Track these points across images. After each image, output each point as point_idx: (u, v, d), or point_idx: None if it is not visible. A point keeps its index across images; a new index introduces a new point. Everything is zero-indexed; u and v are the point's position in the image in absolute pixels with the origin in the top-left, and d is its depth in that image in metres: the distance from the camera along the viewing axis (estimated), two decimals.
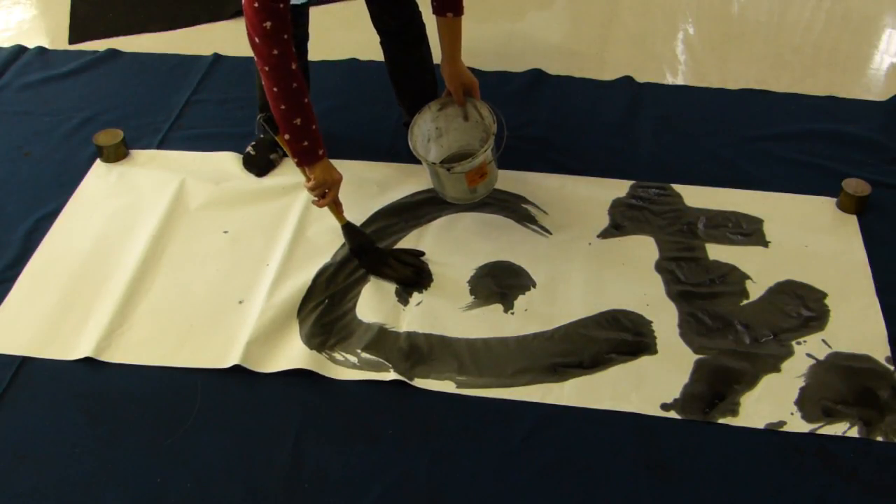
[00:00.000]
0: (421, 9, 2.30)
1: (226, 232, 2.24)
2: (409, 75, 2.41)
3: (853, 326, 1.95)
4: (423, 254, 2.14)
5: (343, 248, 2.17)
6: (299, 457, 1.72)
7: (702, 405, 1.80)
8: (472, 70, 2.82)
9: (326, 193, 2.01)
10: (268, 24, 1.78)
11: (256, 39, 1.81)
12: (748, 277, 2.08)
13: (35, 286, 2.09)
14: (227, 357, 1.89)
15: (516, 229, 2.23)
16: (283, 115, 1.88)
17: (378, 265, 2.09)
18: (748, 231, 2.21)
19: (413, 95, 2.40)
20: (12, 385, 1.86)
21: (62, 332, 1.97)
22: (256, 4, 1.77)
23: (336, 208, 2.09)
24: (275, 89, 1.85)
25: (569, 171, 2.41)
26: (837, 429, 1.75)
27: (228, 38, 3.05)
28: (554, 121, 2.62)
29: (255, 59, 1.85)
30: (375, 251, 2.12)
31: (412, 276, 2.07)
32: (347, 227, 2.12)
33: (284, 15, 1.80)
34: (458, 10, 2.07)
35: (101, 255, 2.17)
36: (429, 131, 2.23)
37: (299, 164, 1.99)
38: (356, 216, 2.25)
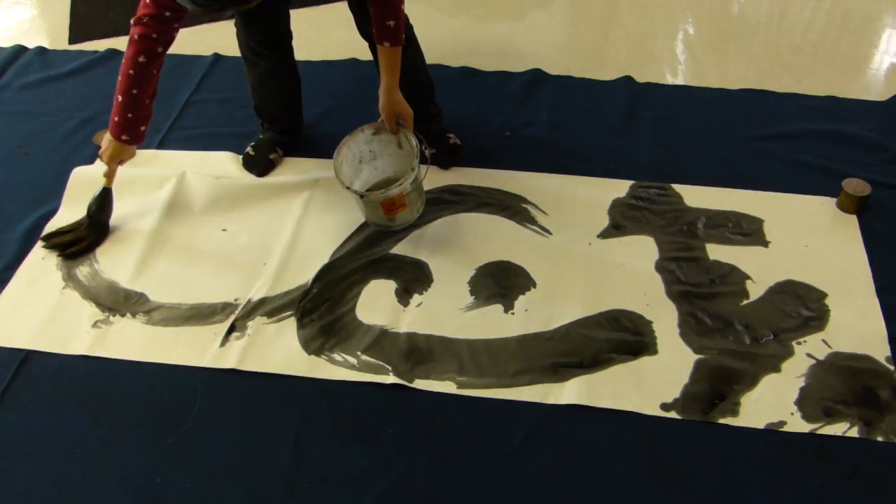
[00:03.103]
0: (408, 12, 2.29)
1: (224, 230, 2.24)
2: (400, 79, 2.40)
3: (853, 326, 1.95)
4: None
5: (342, 248, 2.17)
6: (299, 457, 1.72)
7: (702, 405, 1.80)
8: (472, 70, 2.84)
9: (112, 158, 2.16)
10: (146, 18, 1.93)
11: (132, 21, 1.95)
12: (748, 277, 2.08)
13: (32, 280, 2.10)
14: (223, 358, 1.90)
15: (516, 229, 2.23)
16: (118, 84, 2.03)
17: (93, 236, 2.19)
18: (748, 231, 2.21)
19: (407, 97, 2.39)
20: (13, 384, 1.86)
21: (58, 326, 1.98)
22: (149, 0, 1.92)
23: (111, 172, 2.20)
24: (123, 60, 2.00)
25: (569, 171, 2.41)
26: (837, 429, 1.75)
27: (228, 38, 3.03)
28: (554, 121, 2.62)
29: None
30: (103, 227, 2.22)
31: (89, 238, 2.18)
32: (106, 193, 2.21)
33: (169, 23, 1.94)
34: (395, 40, 2.05)
35: (99, 252, 2.17)
36: (361, 153, 2.21)
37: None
38: (356, 216, 2.26)
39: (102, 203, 2.21)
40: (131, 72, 1.98)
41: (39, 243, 2.19)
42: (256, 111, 2.45)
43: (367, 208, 2.14)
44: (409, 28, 2.30)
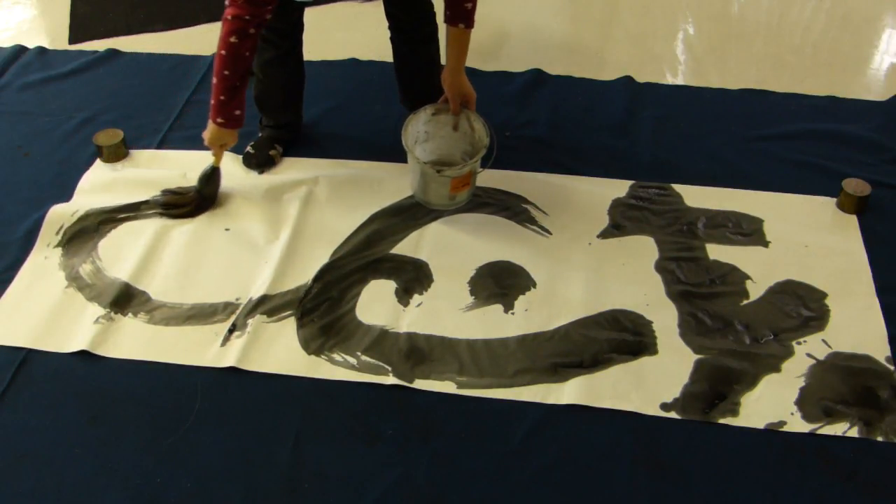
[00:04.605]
0: (435, 9, 2.31)
1: (227, 229, 2.24)
2: (415, 73, 2.41)
3: (853, 326, 1.95)
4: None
5: (342, 248, 2.17)
6: (299, 457, 1.72)
7: (702, 405, 1.80)
8: (472, 70, 2.84)
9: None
10: (240, 0, 1.94)
11: (226, 2, 1.96)
12: (748, 277, 2.08)
13: (35, 280, 2.09)
14: (223, 357, 1.90)
15: (516, 229, 2.23)
16: (213, 67, 2.06)
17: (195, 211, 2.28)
18: (748, 231, 2.21)
19: (418, 94, 2.40)
20: (13, 385, 1.86)
21: (60, 324, 1.98)
22: None
23: (217, 155, 2.27)
24: (218, 41, 2.01)
25: (569, 171, 2.41)
26: (837, 429, 1.75)
27: None
28: (554, 121, 2.62)
29: (226, 19, 1.97)
30: (207, 200, 2.30)
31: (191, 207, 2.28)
32: (213, 170, 2.28)
33: (263, 5, 1.95)
34: (469, 22, 2.09)
35: (101, 250, 2.17)
36: (418, 133, 2.25)
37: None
38: (356, 216, 2.26)
39: (208, 179, 2.28)
40: (223, 52, 2.00)
41: (160, 196, 2.31)
42: (257, 101, 2.45)
43: (432, 185, 2.18)
44: (436, 26, 2.31)
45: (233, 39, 1.98)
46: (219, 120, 2.12)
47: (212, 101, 2.09)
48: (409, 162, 2.22)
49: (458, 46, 2.12)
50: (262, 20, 1.99)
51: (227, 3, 1.96)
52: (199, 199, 2.29)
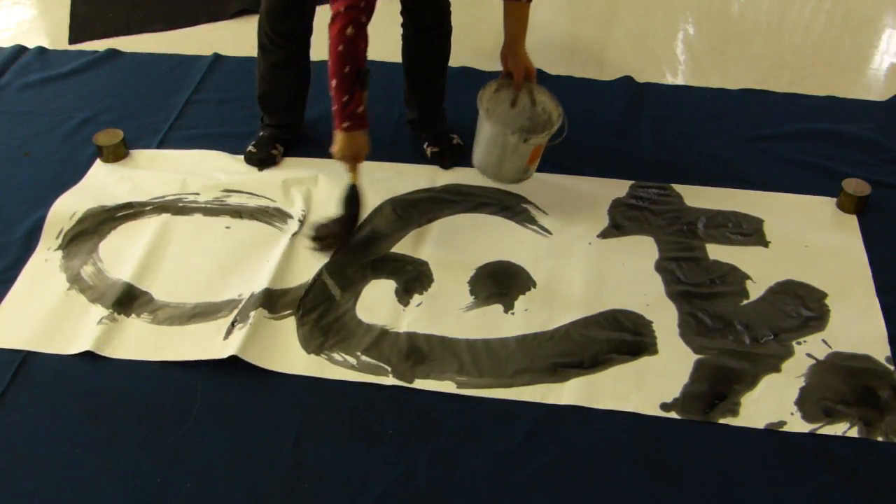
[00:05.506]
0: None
1: (228, 227, 2.24)
2: (427, 72, 2.41)
3: (853, 326, 1.95)
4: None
5: (342, 247, 2.17)
6: (299, 457, 1.72)
7: (702, 405, 1.80)
8: (472, 69, 2.84)
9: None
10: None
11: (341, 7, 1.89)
12: (748, 277, 2.08)
13: (37, 282, 2.09)
14: (224, 348, 1.89)
15: (516, 229, 2.23)
16: (329, 70, 1.94)
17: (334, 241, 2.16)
18: (748, 231, 2.21)
19: (425, 94, 2.40)
20: (13, 385, 1.86)
21: (63, 327, 1.97)
22: None
23: (352, 170, 2.13)
24: (330, 40, 1.92)
25: (569, 171, 2.41)
26: (837, 429, 1.75)
27: (228, 38, 3.05)
28: None
29: (337, 24, 1.90)
30: (356, 219, 2.18)
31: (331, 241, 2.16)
32: (354, 189, 2.15)
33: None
34: None
35: (103, 251, 2.17)
36: (481, 110, 2.21)
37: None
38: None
39: (351, 200, 2.16)
40: (341, 48, 1.91)
41: (312, 233, 2.16)
42: (260, 100, 2.45)
43: (511, 157, 2.14)
44: (451, 24, 2.31)
45: (349, 31, 1.88)
46: (345, 124, 1.98)
47: (334, 108, 1.97)
48: (481, 136, 2.17)
49: (519, 20, 2.12)
50: (372, 8, 1.92)
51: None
52: (349, 222, 2.18)
